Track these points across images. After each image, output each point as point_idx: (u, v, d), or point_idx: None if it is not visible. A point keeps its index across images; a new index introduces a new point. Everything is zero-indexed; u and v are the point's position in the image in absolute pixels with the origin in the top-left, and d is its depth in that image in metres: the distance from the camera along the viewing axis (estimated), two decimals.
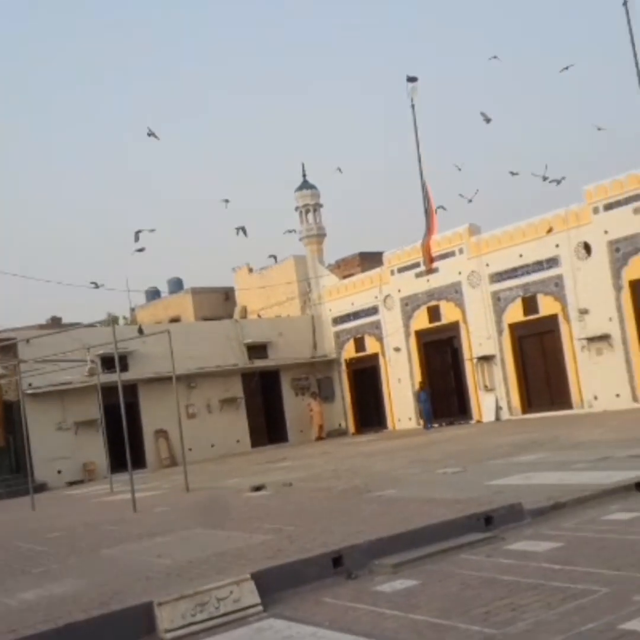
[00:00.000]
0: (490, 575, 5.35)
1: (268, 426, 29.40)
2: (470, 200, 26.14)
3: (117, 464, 17.95)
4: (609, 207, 22.08)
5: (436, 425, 25.87)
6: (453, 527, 6.89)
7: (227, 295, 38.27)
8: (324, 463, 17.23)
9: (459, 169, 27.93)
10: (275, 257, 34.85)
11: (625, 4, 22.12)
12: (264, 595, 5.56)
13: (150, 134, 23.95)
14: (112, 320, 30.26)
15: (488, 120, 25.00)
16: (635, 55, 22.47)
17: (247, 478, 15.29)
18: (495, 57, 26.44)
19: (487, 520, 7.06)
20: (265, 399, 29.71)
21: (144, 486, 16.31)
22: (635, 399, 21.49)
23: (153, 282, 55.33)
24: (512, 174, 27.00)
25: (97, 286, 25.18)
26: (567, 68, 24.34)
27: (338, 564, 6.28)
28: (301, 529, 7.66)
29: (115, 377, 14.50)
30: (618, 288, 21.90)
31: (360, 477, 12.70)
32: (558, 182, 24.20)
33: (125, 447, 13.30)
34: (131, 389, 24.78)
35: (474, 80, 71.46)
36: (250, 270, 35.73)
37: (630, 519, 6.58)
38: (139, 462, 23.93)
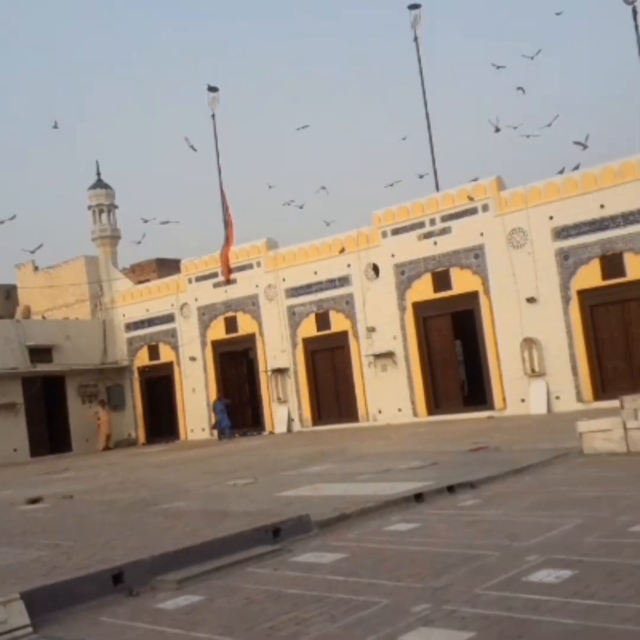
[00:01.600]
0: (276, 589, 5.31)
1: (50, 435, 27.79)
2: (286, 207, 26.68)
3: None
4: (396, 232, 23.37)
5: (235, 435, 25.74)
6: (241, 540, 6.79)
7: (9, 293, 35.76)
8: (110, 474, 16.52)
9: (270, 187, 28.51)
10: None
11: None
12: (35, 616, 5.13)
13: None
14: None
15: (498, 130, 25.17)
16: None
17: (23, 490, 14.28)
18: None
19: (275, 533, 7.04)
20: (48, 406, 28.03)
21: None
22: (415, 413, 22.78)
23: None
24: (324, 188, 27.75)
25: None
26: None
27: (119, 581, 5.94)
28: (80, 544, 7.21)
29: None
30: (402, 308, 23.18)
31: (148, 489, 12.28)
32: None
33: None
34: None
35: (274, 93, 72.82)
36: (36, 268, 33.43)
37: (409, 530, 6.85)
38: None
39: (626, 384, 18.79)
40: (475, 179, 22.55)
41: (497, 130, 25.16)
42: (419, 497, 8.40)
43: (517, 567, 4.99)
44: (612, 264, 19.90)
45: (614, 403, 16.16)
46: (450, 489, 8.80)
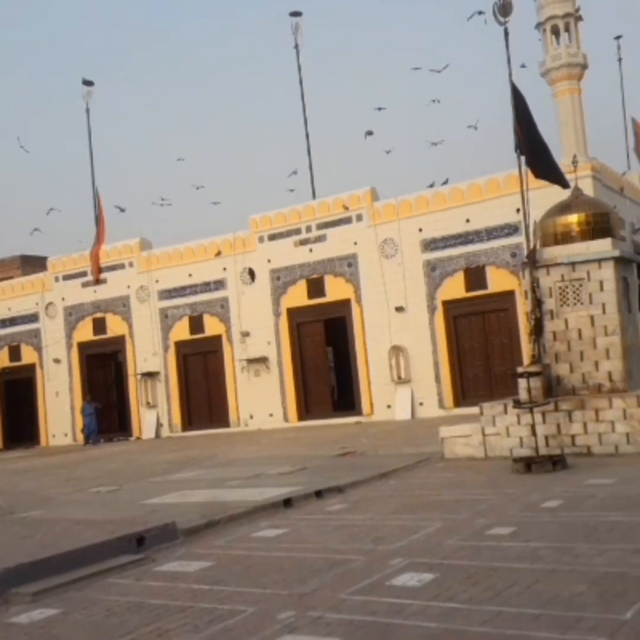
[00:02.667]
0: (138, 600, 5.14)
1: None
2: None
3: None
4: (272, 237, 23.44)
5: (101, 440, 24.78)
6: (103, 549, 6.55)
7: None
8: None
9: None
10: None
11: None
12: None
13: None
14: None
15: (370, 133, 25.11)
16: None
17: None
18: None
19: (139, 542, 6.83)
20: None
21: None
22: (286, 419, 22.87)
23: None
24: (198, 188, 27.40)
25: None
26: None
27: None
28: None
29: None
30: (277, 314, 23.26)
31: (4, 496, 11.69)
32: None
33: None
34: None
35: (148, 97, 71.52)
36: None
37: (277, 536, 6.83)
38: None
39: (484, 392, 19.68)
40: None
41: (370, 133, 26.01)
42: (287, 502, 8.42)
43: (381, 571, 5.07)
44: (475, 276, 20.82)
45: (473, 410, 16.82)
46: (318, 493, 8.88)
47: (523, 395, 10.77)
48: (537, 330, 11.42)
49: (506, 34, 14.11)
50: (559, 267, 11.17)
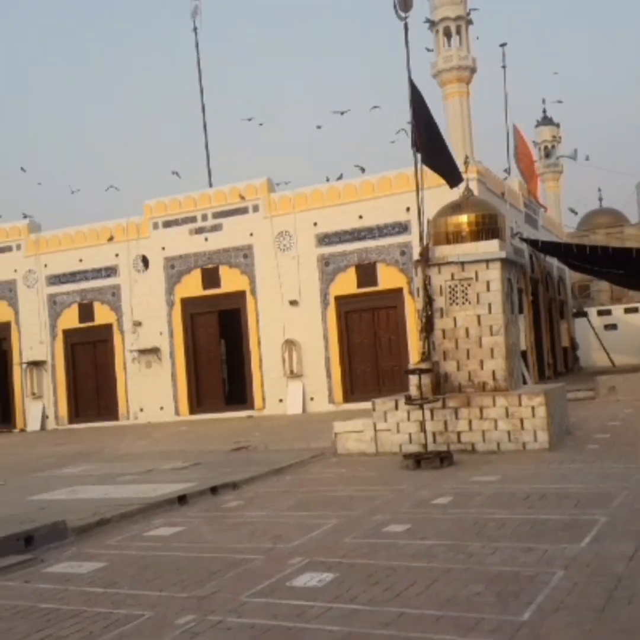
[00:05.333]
0: (27, 604, 4.94)
1: None
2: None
3: None
4: (167, 224, 23.03)
5: None
6: None
7: None
8: None
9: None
10: None
11: None
12: None
13: None
14: None
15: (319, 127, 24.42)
16: None
17: None
18: None
19: (27, 541, 6.57)
20: None
21: None
22: (177, 412, 22.56)
23: None
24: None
25: None
26: None
27: None
28: None
29: None
30: (170, 304, 22.88)
31: None
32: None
33: None
34: None
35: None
36: None
37: (172, 534, 6.73)
38: None
39: (372, 388, 20.13)
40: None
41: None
42: (182, 499, 8.30)
43: (281, 571, 5.08)
44: (366, 272, 21.20)
45: (362, 405, 17.19)
46: (214, 490, 8.81)
47: (414, 391, 11.03)
48: (428, 327, 11.67)
49: (406, 29, 14.22)
50: (450, 266, 11.46)
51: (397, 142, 31.37)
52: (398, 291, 20.84)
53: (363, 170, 22.38)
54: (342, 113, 25.88)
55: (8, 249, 24.78)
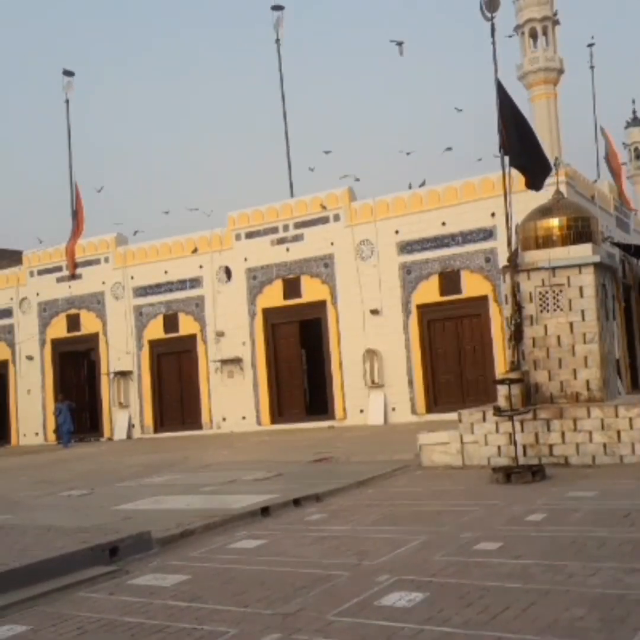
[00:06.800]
0: (111, 617, 4.89)
1: None
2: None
3: None
4: (249, 235, 23.16)
5: (72, 441, 23.97)
6: (74, 560, 6.27)
7: None
8: None
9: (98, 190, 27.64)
10: None
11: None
12: None
13: None
14: None
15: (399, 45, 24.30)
16: None
17: None
18: None
19: (112, 552, 6.57)
20: None
21: None
22: (259, 422, 22.61)
23: None
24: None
25: None
26: None
27: None
28: None
29: None
30: (252, 314, 22.98)
31: None
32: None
33: None
34: None
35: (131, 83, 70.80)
36: None
37: (256, 547, 6.61)
38: None
39: (456, 398, 19.64)
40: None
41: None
42: (265, 510, 8.20)
43: (369, 589, 4.87)
44: (449, 280, 20.73)
45: (445, 416, 16.78)
46: (296, 502, 8.67)
47: (502, 402, 10.65)
48: (517, 335, 11.29)
49: (493, 30, 13.89)
50: (540, 271, 11.08)
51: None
52: (483, 299, 20.34)
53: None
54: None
55: (97, 261, 25.45)
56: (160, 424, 24.29)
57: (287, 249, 22.63)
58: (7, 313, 27.07)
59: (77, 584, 5.84)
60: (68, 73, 28.20)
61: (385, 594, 4.73)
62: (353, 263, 21.72)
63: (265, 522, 7.83)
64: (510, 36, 21.23)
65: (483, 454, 10.69)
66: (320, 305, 22.25)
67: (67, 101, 28.15)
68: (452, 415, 11.85)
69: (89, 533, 7.13)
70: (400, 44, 24.64)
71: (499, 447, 10.59)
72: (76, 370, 26.86)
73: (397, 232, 21.25)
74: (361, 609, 4.49)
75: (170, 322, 24.21)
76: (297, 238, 22.53)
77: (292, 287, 22.62)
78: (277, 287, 22.78)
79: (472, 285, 20.44)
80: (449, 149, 25.38)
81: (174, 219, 51.95)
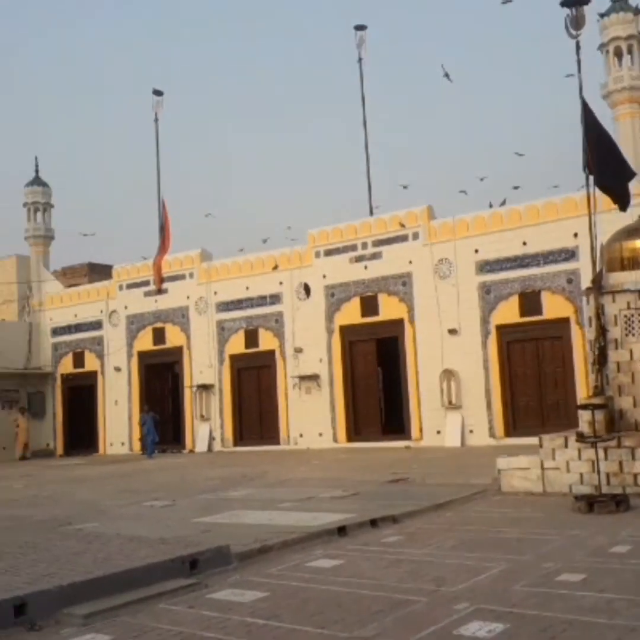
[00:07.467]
0: (190, 631, 4.98)
1: None
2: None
3: None
4: (329, 253, 23.34)
5: (156, 451, 24.59)
6: (155, 571, 6.42)
7: None
8: (23, 487, 15.83)
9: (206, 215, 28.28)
10: None
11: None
12: None
13: None
14: None
15: (447, 75, 24.69)
16: None
17: None
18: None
19: (192, 564, 6.70)
20: None
21: None
22: (335, 439, 22.65)
23: None
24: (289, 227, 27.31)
25: None
26: None
27: (21, 613, 5.50)
28: None
29: None
30: (330, 331, 23.09)
31: (62, 506, 11.75)
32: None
33: None
34: None
35: (217, 103, 72.46)
36: None
37: (333, 567, 6.62)
38: None
39: (535, 422, 19.23)
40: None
41: (446, 75, 25.10)
42: (342, 530, 8.20)
43: (448, 617, 4.82)
44: (530, 301, 20.36)
45: (524, 440, 16.41)
46: (373, 522, 8.64)
47: (585, 428, 10.37)
48: (601, 359, 10.99)
49: (578, 47, 13.71)
50: (625, 294, 10.78)
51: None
52: (564, 321, 19.91)
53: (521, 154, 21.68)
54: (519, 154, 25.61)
55: (182, 277, 26.11)
56: (240, 437, 24.63)
57: (365, 267, 22.69)
58: (97, 325, 28.02)
59: (159, 595, 5.96)
60: (157, 92, 29.13)
61: (465, 623, 4.67)
62: (431, 282, 21.61)
63: (341, 541, 7.83)
64: (568, 75, 20.82)
65: (564, 481, 10.43)
66: (398, 323, 22.20)
67: (156, 119, 29.05)
68: (532, 440, 11.61)
69: (170, 544, 7.30)
70: (446, 75, 24.99)
71: (581, 475, 10.31)
72: (161, 382, 27.56)
73: (476, 251, 21.05)
74: (439, 638, 4.45)
75: (251, 337, 24.57)
76: (375, 256, 22.58)
77: (369, 305, 22.65)
78: (355, 304, 22.86)
79: (553, 307, 20.03)
80: (521, 154, 25.36)
81: (254, 236, 52.75)
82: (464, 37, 68.36)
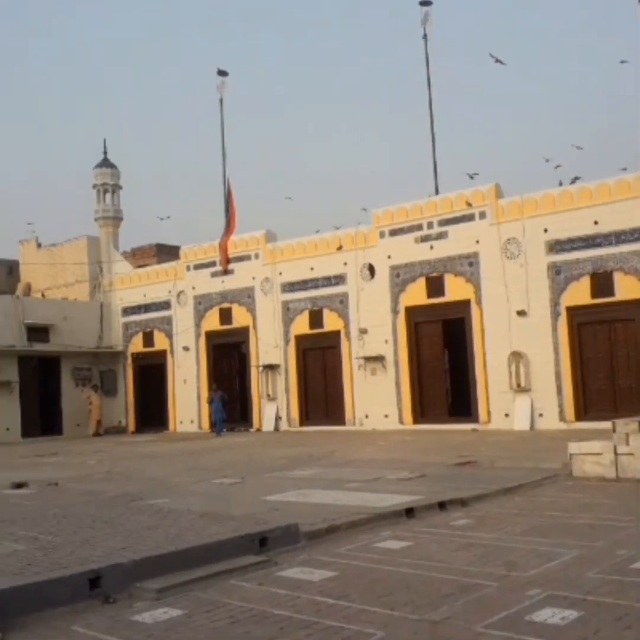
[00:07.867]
0: (261, 608, 5.04)
1: (42, 416, 27.42)
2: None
3: None
4: (394, 233, 23.10)
5: (224, 430, 25.04)
6: (226, 547, 6.51)
7: (11, 269, 35.53)
8: (97, 463, 16.32)
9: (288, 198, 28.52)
10: None
11: None
12: (3, 620, 4.82)
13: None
14: None
15: (498, 61, 24.67)
16: None
17: (10, 472, 14.08)
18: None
19: (262, 542, 6.77)
20: (42, 387, 27.66)
21: None
22: (401, 420, 22.56)
23: None
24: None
25: None
26: None
27: (95, 586, 5.63)
28: (59, 539, 6.91)
29: None
30: (395, 312, 22.93)
31: (134, 482, 12.04)
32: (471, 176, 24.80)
33: None
34: None
35: (281, 85, 72.50)
36: (39, 245, 33.24)
37: (401, 548, 6.61)
38: None
39: (608, 406, 18.75)
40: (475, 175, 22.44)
41: (497, 61, 24.73)
42: (409, 512, 8.17)
43: (519, 603, 4.76)
44: (602, 282, 19.79)
45: (596, 425, 16.01)
46: (441, 505, 8.59)
47: None
48: None
49: None
50: None
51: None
52: (638, 303, 19.30)
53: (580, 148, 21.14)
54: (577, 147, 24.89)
55: (248, 257, 26.31)
56: (306, 417, 24.79)
57: (431, 247, 22.42)
58: (166, 305, 28.53)
59: (229, 571, 6.05)
60: (222, 73, 29.27)
61: (537, 609, 4.60)
62: (499, 262, 21.22)
63: (409, 523, 7.81)
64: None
65: (638, 467, 10.16)
66: (464, 304, 21.90)
67: (221, 100, 29.25)
68: (604, 425, 11.33)
69: (239, 521, 7.40)
70: (498, 60, 24.46)
71: None
72: (228, 361, 27.94)
73: (545, 230, 20.55)
74: (512, 623, 4.39)
75: (316, 318, 24.63)
76: (441, 236, 22.28)
77: (435, 286, 22.40)
78: (420, 285, 22.63)
79: (626, 288, 19.43)
80: (580, 148, 24.61)
81: (318, 217, 52.80)
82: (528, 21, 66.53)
